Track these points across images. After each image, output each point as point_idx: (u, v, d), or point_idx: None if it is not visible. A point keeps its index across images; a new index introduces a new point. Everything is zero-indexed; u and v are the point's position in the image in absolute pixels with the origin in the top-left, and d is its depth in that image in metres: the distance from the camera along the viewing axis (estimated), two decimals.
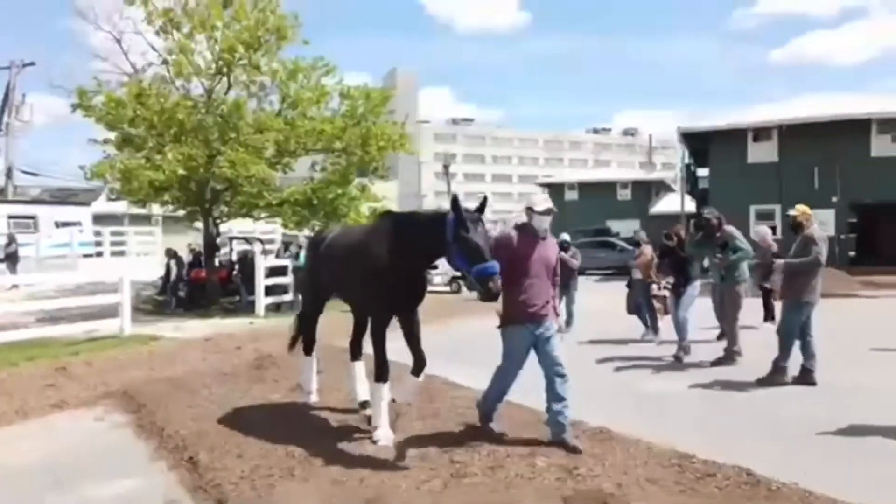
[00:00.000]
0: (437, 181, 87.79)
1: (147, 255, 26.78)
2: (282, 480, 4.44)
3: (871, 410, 5.90)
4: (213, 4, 16.37)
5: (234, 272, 17.86)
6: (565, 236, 10.90)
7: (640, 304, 9.93)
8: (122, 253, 27.06)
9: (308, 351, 6.82)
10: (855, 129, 23.63)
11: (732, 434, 5.49)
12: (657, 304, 9.38)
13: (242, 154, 14.60)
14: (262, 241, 20.61)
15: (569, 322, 10.67)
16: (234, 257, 19.33)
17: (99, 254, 26.00)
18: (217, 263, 18.39)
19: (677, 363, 8.41)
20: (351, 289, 6.04)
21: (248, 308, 16.04)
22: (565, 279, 8.56)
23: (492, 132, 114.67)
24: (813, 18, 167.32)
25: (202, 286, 17.41)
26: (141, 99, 14.43)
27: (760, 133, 25.35)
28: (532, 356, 5.21)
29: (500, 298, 4.90)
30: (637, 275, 9.85)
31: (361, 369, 6.38)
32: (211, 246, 17.67)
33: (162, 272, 18.47)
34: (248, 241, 20.90)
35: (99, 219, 30.83)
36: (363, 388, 6.25)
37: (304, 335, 6.87)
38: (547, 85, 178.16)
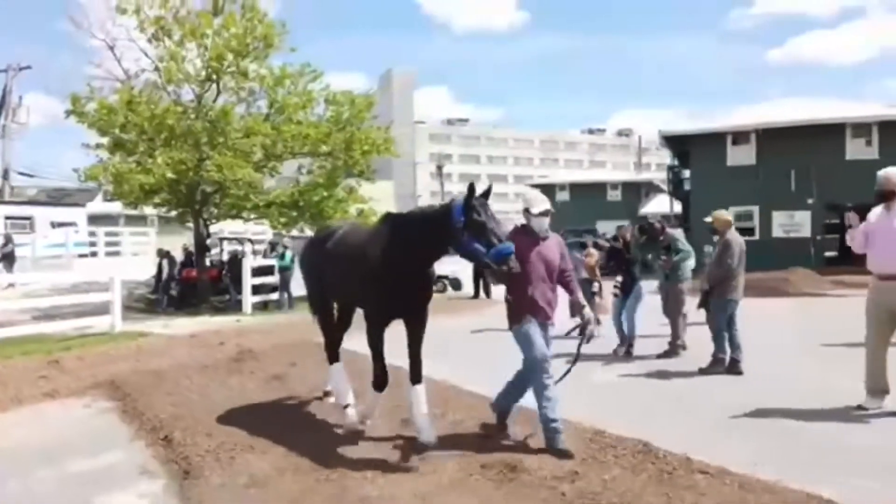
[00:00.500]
0: (432, 181, 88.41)
1: (141, 255, 27.35)
2: (242, 453, 5.05)
3: (783, 396, 6.51)
4: (203, 13, 17.02)
5: (224, 272, 18.47)
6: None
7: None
8: (116, 253, 27.61)
9: (333, 357, 6.46)
10: (830, 133, 24.29)
11: (662, 416, 6.07)
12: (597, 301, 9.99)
13: (230, 158, 15.21)
14: (252, 242, 21.26)
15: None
16: (226, 257, 19.96)
17: (93, 254, 26.55)
18: (208, 263, 19.03)
19: (627, 357, 9.03)
20: (350, 291, 5.91)
21: (237, 306, 16.64)
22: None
23: (487, 132, 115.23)
24: (811, 18, 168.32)
25: (193, 285, 18.04)
26: (131, 105, 15.04)
27: (739, 136, 26.00)
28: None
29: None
30: (583, 274, 10.48)
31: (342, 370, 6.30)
32: (201, 246, 18.29)
33: (154, 272, 19.10)
34: (238, 241, 21.54)
35: (95, 219, 31.41)
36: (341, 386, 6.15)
37: (326, 340, 6.57)
38: (545, 84, 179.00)
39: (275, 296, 17.15)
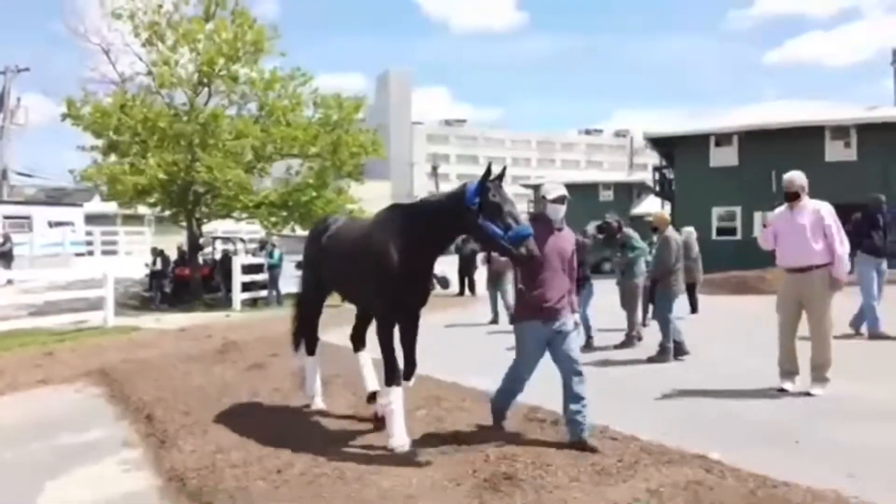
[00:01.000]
0: (428, 182, 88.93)
1: (137, 254, 27.92)
2: (214, 427, 5.62)
3: (715, 380, 7.08)
4: (196, 19, 17.59)
5: (216, 270, 19.05)
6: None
7: None
8: (113, 252, 28.19)
9: (311, 350, 6.36)
10: (810, 136, 24.82)
11: (602, 397, 6.57)
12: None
13: (220, 160, 15.77)
14: (243, 241, 21.85)
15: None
16: (219, 256, 20.54)
17: (90, 252, 27.14)
18: (202, 262, 19.61)
19: (587, 349, 9.58)
20: (355, 286, 5.63)
21: (228, 303, 17.22)
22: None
23: (484, 133, 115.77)
24: (808, 20, 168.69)
25: (186, 283, 18.62)
26: (125, 109, 15.61)
27: (722, 138, 26.56)
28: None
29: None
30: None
31: (367, 360, 6.11)
32: (194, 245, 18.86)
33: (148, 270, 19.67)
34: (231, 240, 22.13)
35: (92, 219, 31.98)
36: (371, 378, 6.01)
37: (306, 333, 6.43)
38: (544, 85, 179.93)
39: (264, 293, 17.72)
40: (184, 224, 18.82)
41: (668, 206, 33.46)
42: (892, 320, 9.49)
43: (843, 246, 6.24)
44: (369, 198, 20.47)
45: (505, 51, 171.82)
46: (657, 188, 32.53)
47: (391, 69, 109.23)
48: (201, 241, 19.87)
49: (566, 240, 5.00)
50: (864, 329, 9.58)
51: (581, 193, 47.83)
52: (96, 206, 34.23)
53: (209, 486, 4.26)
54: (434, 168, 64.66)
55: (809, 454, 4.61)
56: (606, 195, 48.97)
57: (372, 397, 5.90)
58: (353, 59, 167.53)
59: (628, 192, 49.34)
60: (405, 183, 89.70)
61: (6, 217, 25.88)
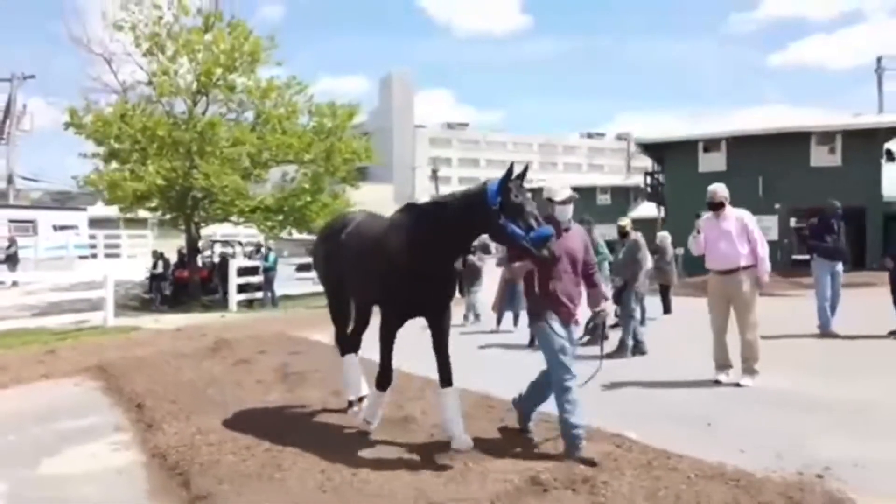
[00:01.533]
0: (431, 185, 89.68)
1: (139, 256, 28.60)
2: (197, 413, 6.21)
3: (662, 373, 7.63)
4: (195, 30, 18.26)
5: (214, 272, 19.70)
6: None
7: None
8: (115, 255, 28.88)
9: (345, 349, 6.18)
10: (796, 141, 25.41)
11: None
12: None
13: (216, 167, 16.42)
14: (241, 244, 22.51)
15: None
16: (217, 259, 21.20)
17: (93, 255, 27.83)
18: (201, 264, 20.27)
19: None
20: (366, 285, 5.45)
21: (225, 304, 17.85)
22: None
23: (486, 136, 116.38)
24: (812, 23, 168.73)
25: (185, 285, 19.27)
26: (125, 119, 16.27)
27: (710, 144, 27.13)
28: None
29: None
30: (506, 275, 11.66)
31: (356, 363, 6.13)
32: (193, 248, 19.52)
33: (149, 272, 20.33)
34: (229, 244, 22.80)
35: (96, 222, 32.70)
36: (361, 383, 6.07)
37: (338, 332, 6.33)
38: (547, 87, 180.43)
39: (259, 294, 18.35)
40: (183, 228, 19.49)
41: (663, 210, 34.15)
42: (846, 321, 10.10)
43: (764, 249, 6.86)
44: (371, 201, 21.08)
45: (508, 53, 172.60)
46: (649, 192, 33.07)
47: (394, 72, 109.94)
48: (200, 244, 20.52)
49: (575, 240, 4.89)
50: (833, 328, 10.07)
51: (578, 197, 48.62)
52: (100, 209, 34.93)
53: (186, 460, 4.86)
54: (434, 171, 65.15)
55: (716, 435, 5.20)
56: (604, 199, 49.57)
57: (360, 401, 5.97)
58: (356, 62, 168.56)
59: (626, 196, 49.94)
60: (407, 186, 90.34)
61: (12, 221, 26.60)
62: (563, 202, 4.83)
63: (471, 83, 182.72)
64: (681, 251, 25.59)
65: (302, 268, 21.02)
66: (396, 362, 5.30)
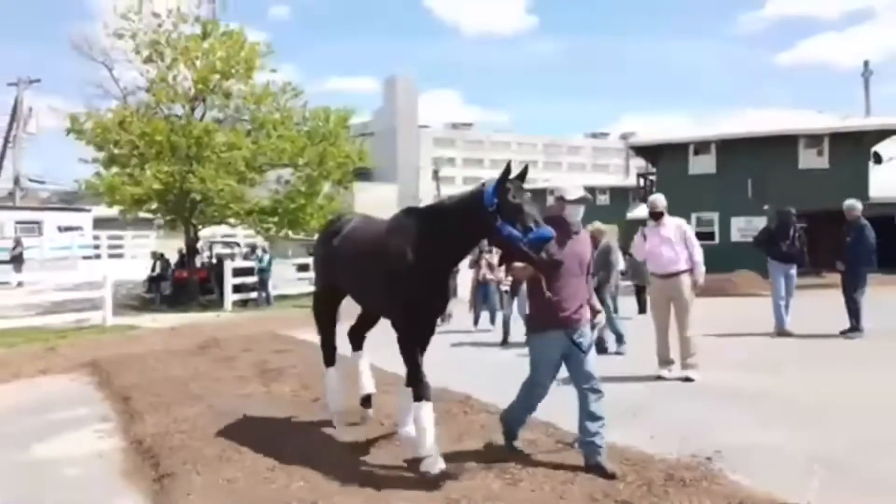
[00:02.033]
0: (433, 185, 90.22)
1: (142, 257, 29.29)
2: (176, 405, 6.80)
3: (610, 369, 8.15)
4: (194, 37, 18.87)
5: (211, 273, 20.31)
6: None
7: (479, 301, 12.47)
8: (119, 255, 29.59)
9: (329, 360, 6.11)
10: (784, 144, 25.83)
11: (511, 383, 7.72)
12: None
13: (211, 171, 17.04)
14: (238, 245, 23.14)
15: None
16: (216, 260, 21.82)
17: (97, 256, 28.53)
18: (200, 265, 20.89)
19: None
20: (370, 293, 5.31)
21: (223, 304, 18.45)
22: None
23: (490, 136, 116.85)
24: (820, 21, 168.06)
25: (184, 285, 19.89)
26: (124, 125, 16.89)
27: (700, 147, 27.56)
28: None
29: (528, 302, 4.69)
30: (479, 277, 12.25)
31: (366, 362, 6.01)
32: (191, 249, 20.14)
33: (149, 272, 20.99)
34: (228, 245, 23.44)
35: (101, 222, 33.43)
36: (368, 381, 5.96)
37: (323, 343, 6.20)
38: (554, 88, 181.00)
39: (254, 294, 18.96)
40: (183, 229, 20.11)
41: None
42: (812, 320, 10.73)
43: (699, 254, 7.43)
44: (376, 201, 21.62)
45: (514, 54, 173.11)
46: (642, 194, 33.54)
47: (398, 74, 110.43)
48: (199, 245, 21.14)
49: (583, 243, 4.73)
50: (788, 327, 10.58)
51: (591, 198, 49.01)
52: (105, 209, 35.64)
53: (159, 445, 5.45)
54: (435, 172, 65.73)
55: (636, 423, 5.72)
56: (603, 200, 49.96)
57: (366, 401, 5.93)
58: (364, 62, 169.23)
59: (625, 197, 50.31)
60: (412, 186, 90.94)
61: (18, 222, 27.34)
62: (576, 202, 4.63)
63: (477, 83, 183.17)
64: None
65: (302, 268, 21.66)
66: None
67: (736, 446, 4.95)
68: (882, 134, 25.78)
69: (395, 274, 4.66)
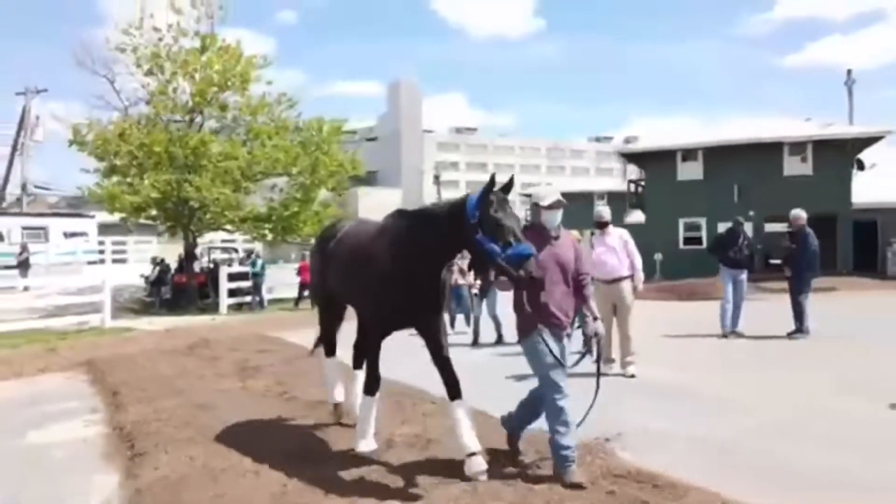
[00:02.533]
0: (436, 189, 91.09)
1: (145, 262, 30.12)
2: (159, 398, 7.51)
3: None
4: (193, 51, 19.68)
5: (209, 277, 21.11)
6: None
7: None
8: (122, 260, 30.44)
9: (329, 352, 6.31)
10: (769, 151, 26.49)
11: (486, 383, 8.16)
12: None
13: (207, 180, 17.82)
14: (236, 251, 23.94)
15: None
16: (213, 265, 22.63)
17: (101, 261, 29.39)
18: (198, 270, 21.69)
19: (498, 343, 11.38)
20: (354, 291, 5.43)
21: (218, 307, 19.24)
22: None
23: (494, 141, 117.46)
24: (830, 23, 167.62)
25: (183, 289, 20.69)
26: (123, 137, 17.71)
27: (688, 154, 28.26)
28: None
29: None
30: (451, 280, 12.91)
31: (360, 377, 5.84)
32: (190, 255, 20.95)
33: (150, 277, 21.80)
34: (226, 250, 24.24)
35: (107, 228, 34.28)
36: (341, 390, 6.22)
37: (324, 340, 6.38)
38: (560, 91, 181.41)
39: (249, 298, 19.73)
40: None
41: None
42: (771, 323, 11.38)
43: (639, 262, 8.13)
44: (379, 205, 22.31)
45: (520, 57, 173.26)
46: (633, 200, 34.21)
47: (402, 78, 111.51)
48: (197, 251, 21.95)
49: (565, 247, 4.66)
50: (740, 328, 11.28)
51: (575, 202, 49.55)
52: (109, 216, 36.56)
53: (137, 430, 6.17)
54: (436, 177, 66.52)
55: None
56: (600, 204, 50.55)
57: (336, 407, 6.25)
58: (370, 66, 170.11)
59: (622, 201, 50.87)
60: (416, 190, 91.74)
61: (24, 228, 28.20)
62: (550, 207, 4.59)
63: (483, 86, 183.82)
64: (659, 257, 26.90)
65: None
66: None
67: (636, 431, 5.63)
68: (866, 141, 26.40)
69: (375, 271, 4.76)
